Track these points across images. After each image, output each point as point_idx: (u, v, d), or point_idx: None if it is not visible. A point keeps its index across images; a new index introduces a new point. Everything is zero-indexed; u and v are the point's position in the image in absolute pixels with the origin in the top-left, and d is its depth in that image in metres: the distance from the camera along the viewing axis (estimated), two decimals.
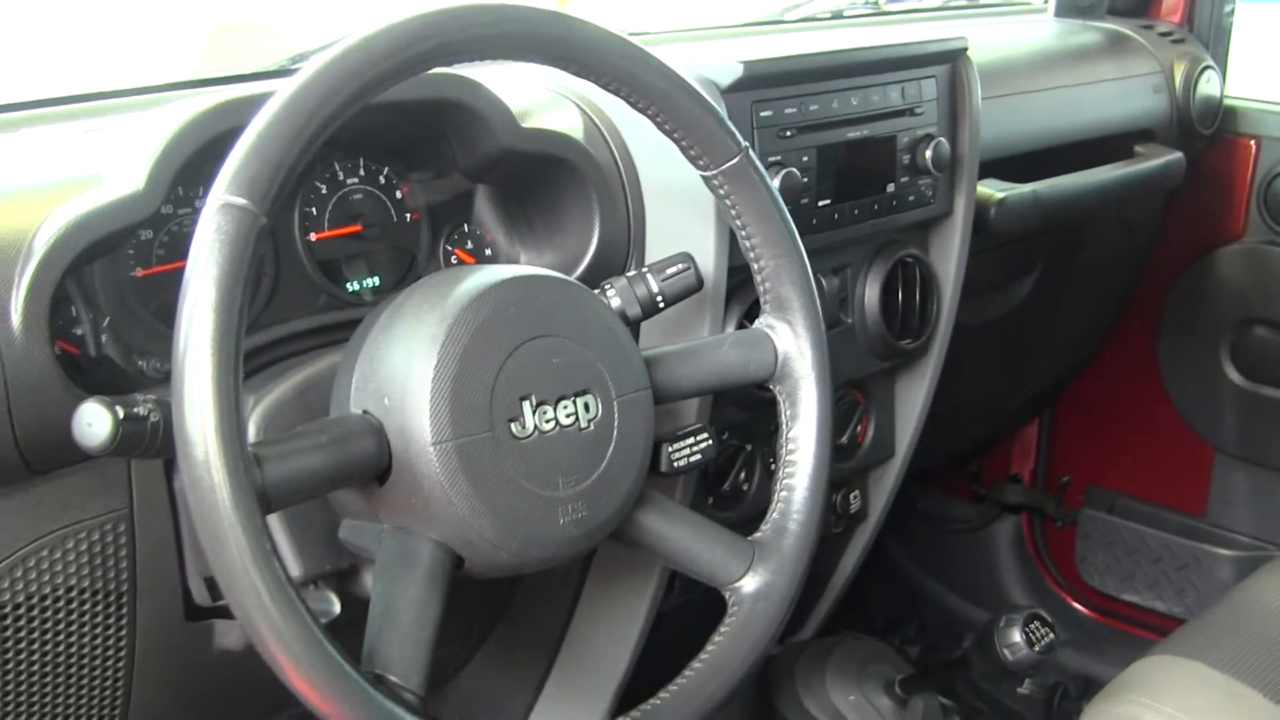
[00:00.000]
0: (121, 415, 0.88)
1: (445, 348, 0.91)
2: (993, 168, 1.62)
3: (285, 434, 0.92)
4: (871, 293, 1.48)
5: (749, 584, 1.05)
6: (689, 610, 1.49)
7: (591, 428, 0.97)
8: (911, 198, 1.48)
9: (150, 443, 0.91)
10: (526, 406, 0.94)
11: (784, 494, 1.08)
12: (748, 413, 1.43)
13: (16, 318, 0.95)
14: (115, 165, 1.01)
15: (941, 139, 1.47)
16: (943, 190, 1.52)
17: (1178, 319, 2.15)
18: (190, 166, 1.02)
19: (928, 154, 1.46)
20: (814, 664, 1.55)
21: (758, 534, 1.07)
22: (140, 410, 0.90)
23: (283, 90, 0.84)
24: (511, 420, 0.93)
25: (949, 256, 1.56)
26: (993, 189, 1.60)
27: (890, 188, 1.45)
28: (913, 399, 1.63)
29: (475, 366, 0.92)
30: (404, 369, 0.92)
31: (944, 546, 2.41)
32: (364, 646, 0.89)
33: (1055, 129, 1.78)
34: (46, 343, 0.97)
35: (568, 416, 0.96)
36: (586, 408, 0.97)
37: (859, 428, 1.59)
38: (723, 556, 1.06)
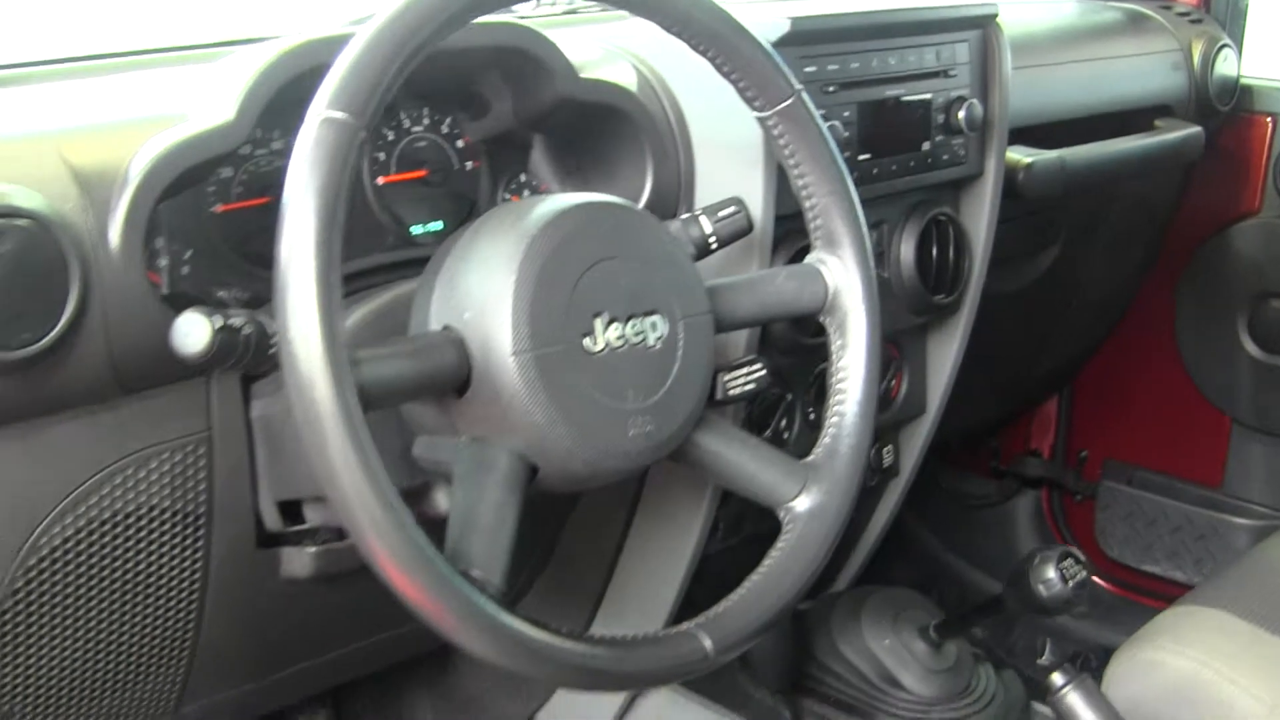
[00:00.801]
0: (218, 325, 0.93)
1: (525, 264, 0.96)
2: (1019, 136, 1.67)
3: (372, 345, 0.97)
4: (907, 249, 1.53)
5: (803, 503, 1.10)
6: (731, 556, 1.54)
7: (658, 346, 1.02)
8: (945, 156, 1.53)
9: (242, 354, 0.96)
10: (599, 323, 0.99)
11: (834, 420, 1.13)
12: (790, 358, 1.47)
13: (116, 239, 1.00)
14: (204, 100, 1.07)
15: (974, 100, 1.53)
16: (974, 151, 1.57)
17: (1195, 293, 2.20)
18: (274, 103, 1.07)
19: (961, 115, 1.52)
20: (849, 612, 1.60)
21: (810, 457, 1.12)
22: (235, 322, 0.95)
23: (382, 11, 0.89)
24: (585, 335, 0.98)
25: (980, 216, 1.61)
26: (1021, 154, 1.65)
27: (925, 146, 1.51)
28: (944, 356, 1.68)
29: (552, 283, 0.97)
30: (485, 284, 0.97)
31: (964, 521, 2.46)
32: (445, 550, 0.94)
33: (1078, 101, 1.83)
34: (141, 264, 1.02)
35: (636, 334, 1.01)
36: (654, 327, 1.02)
37: (893, 382, 1.64)
38: (778, 477, 1.11)
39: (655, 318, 1.02)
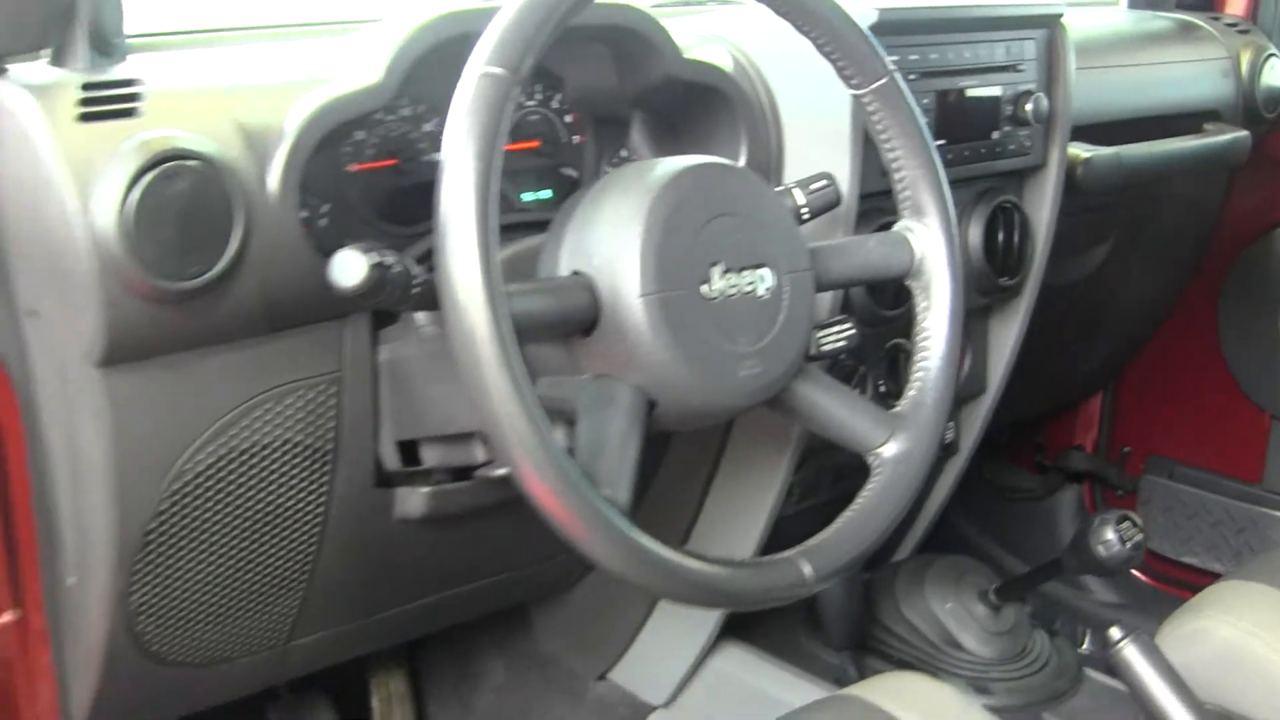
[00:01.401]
0: (374, 261, 1.02)
1: (652, 215, 1.05)
2: (1078, 134, 1.75)
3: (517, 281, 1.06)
4: (975, 232, 1.62)
5: (890, 449, 1.18)
6: (804, 520, 1.63)
7: (767, 296, 1.11)
8: (1012, 146, 1.63)
9: (391, 290, 1.06)
10: (715, 272, 1.08)
11: (920, 374, 1.22)
12: (868, 329, 1.56)
13: (275, 185, 1.09)
14: (351, 65, 1.16)
15: (1041, 94, 1.62)
16: (1039, 143, 1.66)
17: (1238, 294, 2.28)
18: (413, 70, 1.16)
19: (1028, 107, 1.61)
20: (913, 578, 1.69)
21: (897, 408, 1.21)
22: (386, 260, 1.04)
23: None
24: (703, 283, 1.07)
25: (1042, 205, 1.70)
26: (1080, 149, 1.74)
27: (994, 135, 1.60)
28: (1005, 338, 1.77)
29: (676, 233, 1.06)
30: (614, 234, 1.06)
31: (1007, 514, 2.53)
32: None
33: (1133, 103, 1.92)
34: (296, 210, 1.11)
35: (748, 285, 1.10)
36: (763, 279, 1.11)
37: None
38: (868, 425, 1.19)
39: (764, 270, 1.11)
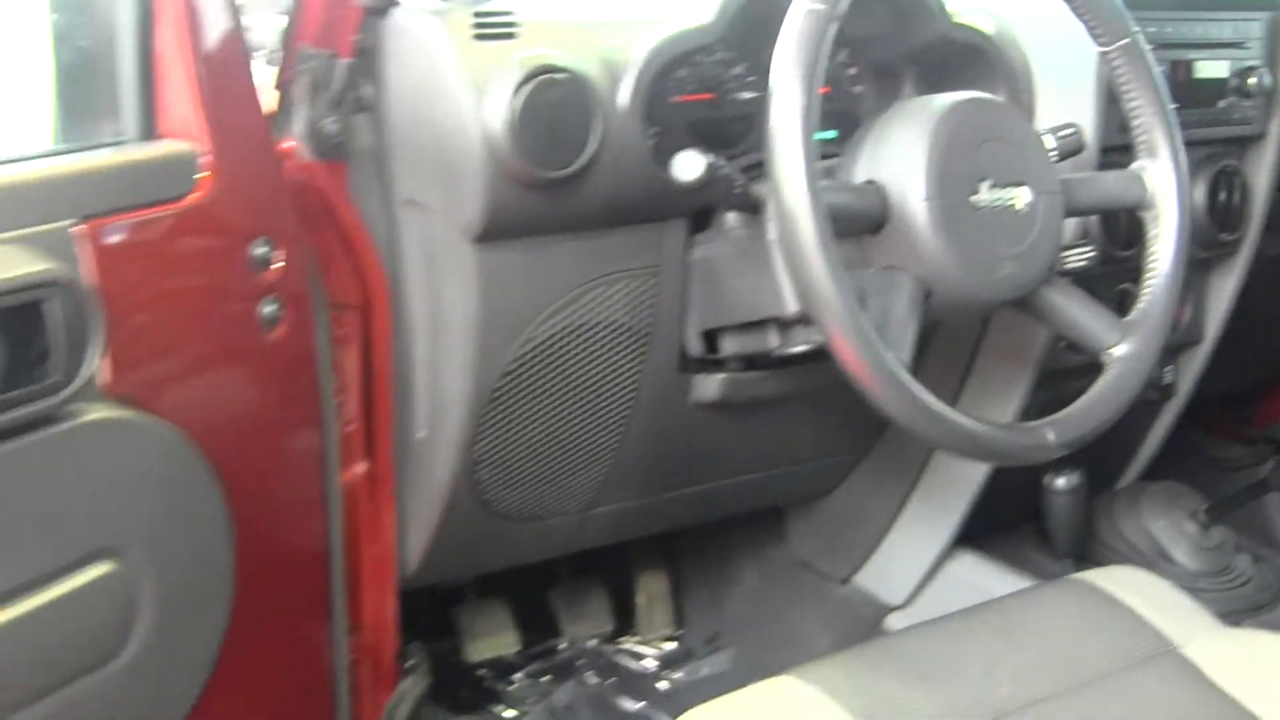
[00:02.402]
0: (709, 160, 1.28)
1: (935, 135, 1.29)
2: None
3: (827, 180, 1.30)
4: (1199, 191, 1.82)
5: (1121, 350, 1.39)
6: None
7: (1025, 210, 1.33)
8: (1236, 115, 1.82)
9: (718, 189, 1.31)
10: (983, 185, 1.31)
11: (1149, 289, 1.42)
12: (1101, 267, 1.77)
13: (625, 101, 1.36)
14: (687, 8, 1.42)
15: (1264, 69, 1.81)
16: (1261, 114, 1.86)
17: None
18: (739, 15, 1.42)
19: (1251, 81, 1.81)
20: (1130, 500, 1.89)
21: (1129, 317, 1.41)
22: (717, 163, 1.30)
23: None
24: (973, 193, 1.30)
25: (1261, 171, 1.89)
26: None
27: (1220, 104, 1.80)
28: (1222, 291, 1.95)
29: (955, 149, 1.29)
30: (903, 149, 1.30)
31: (1212, 484, 2.66)
32: None
33: None
34: (641, 124, 1.38)
35: (1009, 198, 1.32)
36: (1023, 195, 1.33)
37: (1180, 307, 1.91)
38: (1103, 329, 1.40)
39: (1024, 188, 1.34)
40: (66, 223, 1.08)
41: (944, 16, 1.54)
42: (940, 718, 1.18)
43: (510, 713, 1.99)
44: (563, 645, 2.08)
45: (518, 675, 2.03)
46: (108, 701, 1.13)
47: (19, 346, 1.02)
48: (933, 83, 1.64)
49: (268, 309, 1.27)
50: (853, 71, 1.63)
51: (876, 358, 1.20)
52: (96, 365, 1.07)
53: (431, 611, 1.94)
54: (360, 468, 1.53)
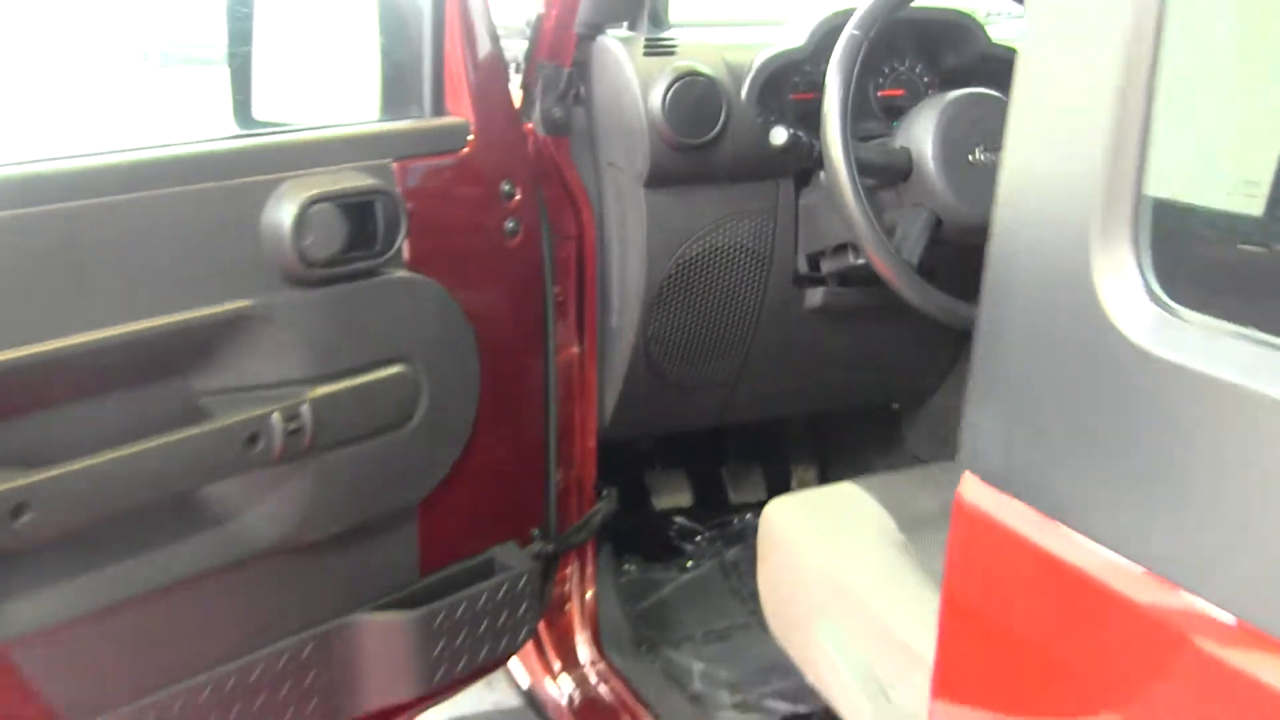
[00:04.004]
0: (791, 131, 1.96)
1: (943, 114, 1.93)
2: None
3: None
4: None
5: None
6: None
7: None
8: None
9: (800, 152, 1.99)
10: (978, 149, 1.93)
11: None
12: None
13: (745, 94, 2.06)
14: (791, 37, 2.11)
15: None
16: None
17: None
18: (824, 41, 2.09)
19: None
20: None
21: None
22: (799, 133, 1.97)
23: None
24: (969, 155, 1.93)
25: None
26: None
27: None
28: None
29: (956, 125, 1.93)
30: (924, 124, 1.94)
31: None
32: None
33: None
34: (755, 110, 2.07)
35: (995, 159, 1.94)
36: None
37: None
38: None
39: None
40: (388, 160, 1.83)
41: (983, 39, 2.16)
42: None
43: (690, 563, 2.69)
44: (734, 520, 2.77)
45: (697, 538, 2.73)
46: (403, 451, 1.86)
47: (360, 228, 1.76)
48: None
49: (509, 225, 2.00)
50: (926, 79, 2.27)
51: (892, 258, 1.85)
52: (401, 244, 1.81)
53: (628, 474, 2.66)
54: (574, 349, 2.25)
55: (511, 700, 2.45)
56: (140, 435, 1.55)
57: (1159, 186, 0.99)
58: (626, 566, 2.67)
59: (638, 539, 2.68)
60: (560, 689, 2.34)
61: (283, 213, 1.64)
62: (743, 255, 2.19)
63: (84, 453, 1.49)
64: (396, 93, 1.94)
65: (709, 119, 2.03)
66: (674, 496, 2.71)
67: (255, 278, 1.64)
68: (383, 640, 1.88)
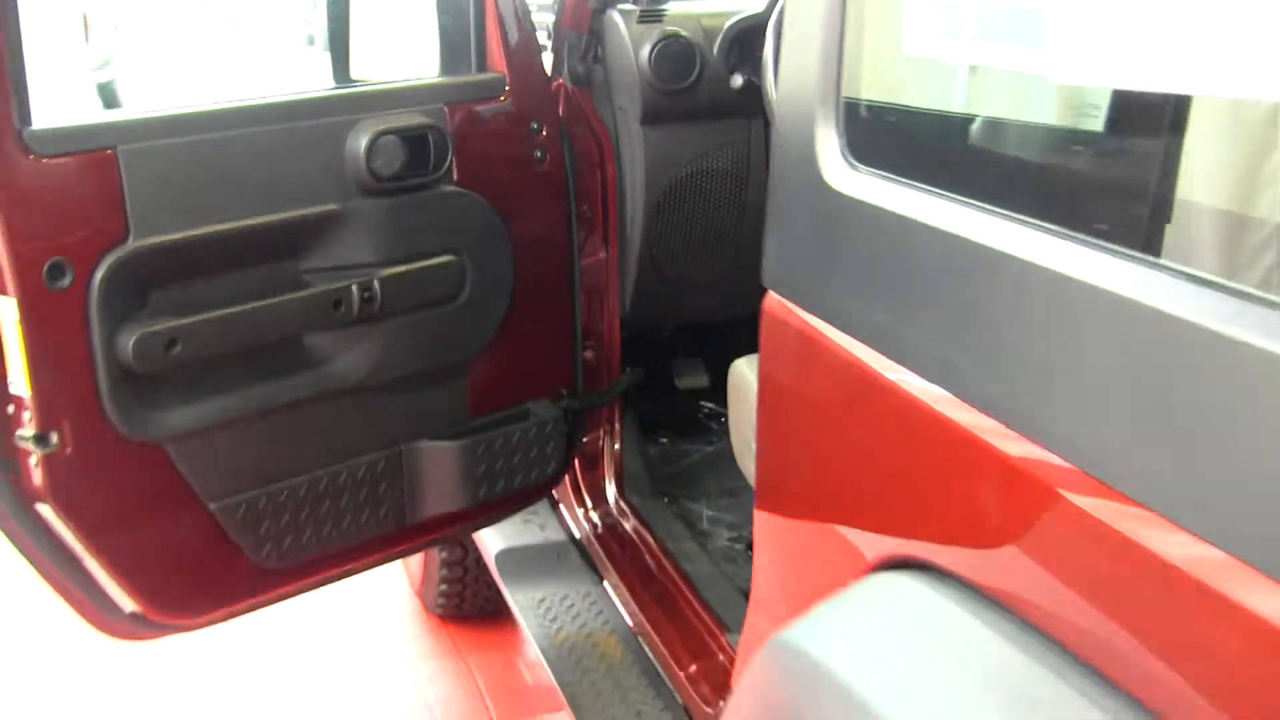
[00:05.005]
0: (746, 78, 2.57)
1: None
2: None
3: None
4: None
5: None
6: None
7: None
8: None
9: (755, 92, 2.60)
10: None
11: None
12: None
13: (716, 50, 2.68)
14: (756, 4, 2.72)
15: None
16: None
17: None
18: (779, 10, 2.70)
19: None
20: None
21: None
22: (751, 78, 2.59)
23: None
24: None
25: None
26: None
27: None
28: None
29: None
30: None
31: None
32: None
33: None
34: (724, 62, 2.69)
35: None
36: None
37: None
38: None
39: None
40: (440, 105, 2.48)
41: None
42: None
43: (714, 439, 3.32)
44: None
45: (722, 418, 3.36)
46: (452, 321, 2.52)
47: (420, 154, 2.42)
48: None
49: (538, 154, 2.64)
50: None
51: None
52: (449, 166, 2.46)
53: (656, 360, 3.31)
54: (601, 254, 2.90)
55: (557, 536, 3.11)
56: (259, 298, 2.23)
57: (849, 91, 1.59)
58: (661, 439, 3.31)
59: (672, 417, 3.32)
60: (590, 523, 2.99)
61: (359, 142, 2.30)
62: (723, 176, 2.81)
63: (218, 308, 2.18)
64: (451, 55, 2.60)
65: (686, 70, 2.65)
66: (694, 379, 3.35)
67: (340, 188, 2.31)
68: (438, 462, 2.54)
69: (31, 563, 2.17)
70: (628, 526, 2.92)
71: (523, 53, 2.59)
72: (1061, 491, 1.18)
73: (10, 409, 2.01)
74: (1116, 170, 1.40)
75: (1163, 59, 1.16)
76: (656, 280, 2.90)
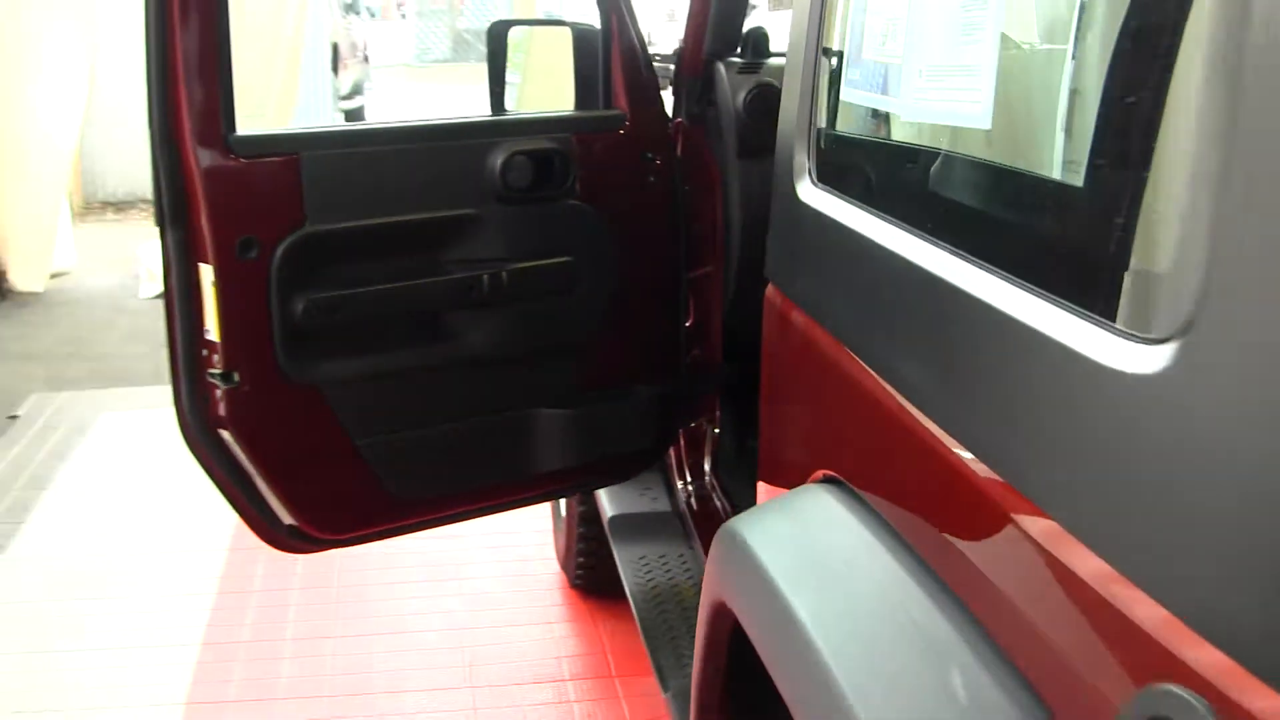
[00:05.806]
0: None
1: None
2: None
3: None
4: None
5: None
6: None
7: None
8: None
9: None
10: None
11: None
12: None
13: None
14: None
15: None
16: None
17: None
18: None
19: None
20: None
21: None
22: None
23: None
24: None
25: None
26: None
27: None
28: None
29: None
30: None
31: None
32: None
33: None
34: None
35: None
36: None
37: None
38: None
39: None
40: (569, 134, 3.04)
41: None
42: None
43: None
44: None
45: None
46: (564, 309, 3.06)
47: (547, 172, 2.98)
48: None
49: (650, 179, 3.18)
50: None
51: None
52: (574, 183, 3.02)
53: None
54: (710, 266, 3.41)
55: (664, 507, 3.65)
56: (407, 279, 2.82)
57: (818, 122, 2.09)
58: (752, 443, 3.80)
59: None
60: (688, 496, 3.50)
61: (496, 159, 2.88)
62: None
63: (373, 284, 2.77)
64: (584, 94, 3.17)
65: (774, 114, 3.14)
66: None
67: (479, 196, 2.89)
68: (552, 425, 3.09)
69: (214, 480, 2.80)
70: (715, 500, 3.41)
71: (641, 93, 3.13)
72: (922, 436, 1.65)
73: (204, 352, 2.63)
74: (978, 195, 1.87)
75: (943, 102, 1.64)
76: (754, 294, 3.38)
